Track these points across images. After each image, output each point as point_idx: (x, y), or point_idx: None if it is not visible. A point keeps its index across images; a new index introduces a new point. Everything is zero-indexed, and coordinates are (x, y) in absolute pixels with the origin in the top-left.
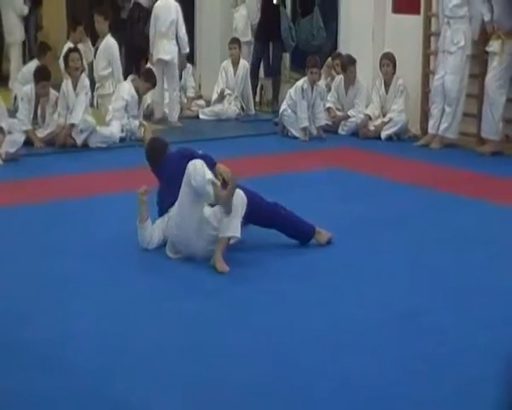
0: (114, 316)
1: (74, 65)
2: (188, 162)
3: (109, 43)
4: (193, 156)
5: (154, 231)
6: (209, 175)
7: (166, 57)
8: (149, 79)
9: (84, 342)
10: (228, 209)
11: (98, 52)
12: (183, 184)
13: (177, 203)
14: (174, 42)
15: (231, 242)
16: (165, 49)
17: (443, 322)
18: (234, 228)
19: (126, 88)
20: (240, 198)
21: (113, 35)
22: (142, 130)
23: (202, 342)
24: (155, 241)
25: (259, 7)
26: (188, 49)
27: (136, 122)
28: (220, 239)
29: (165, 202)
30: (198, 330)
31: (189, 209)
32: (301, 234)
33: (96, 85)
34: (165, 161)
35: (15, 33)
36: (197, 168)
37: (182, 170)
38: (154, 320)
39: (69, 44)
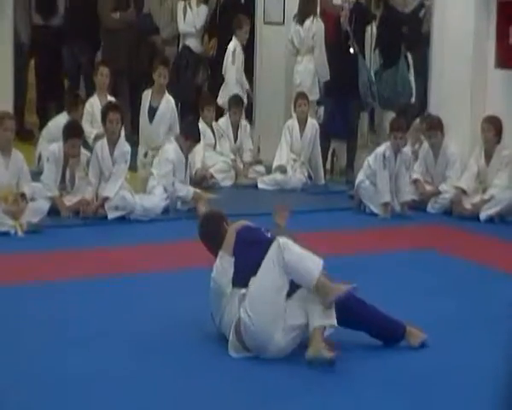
0: None
1: (112, 127)
2: (258, 248)
3: (171, 102)
4: (262, 241)
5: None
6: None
7: None
8: (190, 135)
9: None
10: (329, 304)
11: (159, 114)
12: (267, 266)
13: (254, 288)
14: None
15: (326, 333)
16: None
17: None
18: (330, 315)
19: (171, 149)
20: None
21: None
22: (196, 201)
23: None
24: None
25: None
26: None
27: (185, 189)
28: (315, 331)
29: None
30: None
31: (272, 297)
32: (388, 334)
33: (151, 152)
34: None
35: None
36: (289, 244)
37: (251, 257)
38: None
39: (95, 98)
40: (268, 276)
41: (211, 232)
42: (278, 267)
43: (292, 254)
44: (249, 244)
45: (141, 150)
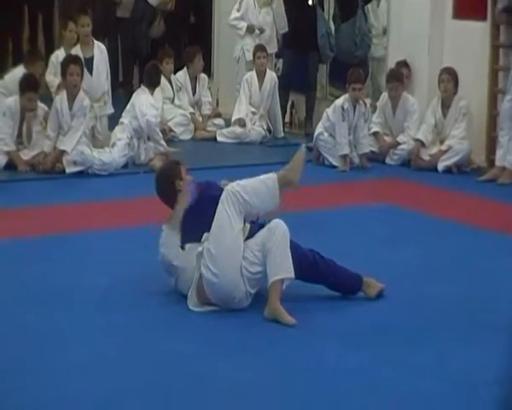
0: (117, 377)
1: (73, 80)
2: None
3: (102, 47)
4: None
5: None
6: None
7: None
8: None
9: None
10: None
11: (96, 63)
12: (221, 217)
13: (213, 244)
14: None
15: (284, 286)
16: None
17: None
18: (287, 267)
19: (149, 97)
20: (282, 231)
21: (109, 37)
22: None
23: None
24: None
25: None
26: None
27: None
28: (273, 284)
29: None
30: (222, 395)
31: (233, 246)
32: (346, 286)
33: (96, 105)
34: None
35: None
36: (239, 184)
37: (208, 213)
38: (171, 386)
39: (62, 51)
40: (225, 225)
41: (164, 192)
42: (234, 212)
43: (247, 190)
44: (206, 200)
45: None
